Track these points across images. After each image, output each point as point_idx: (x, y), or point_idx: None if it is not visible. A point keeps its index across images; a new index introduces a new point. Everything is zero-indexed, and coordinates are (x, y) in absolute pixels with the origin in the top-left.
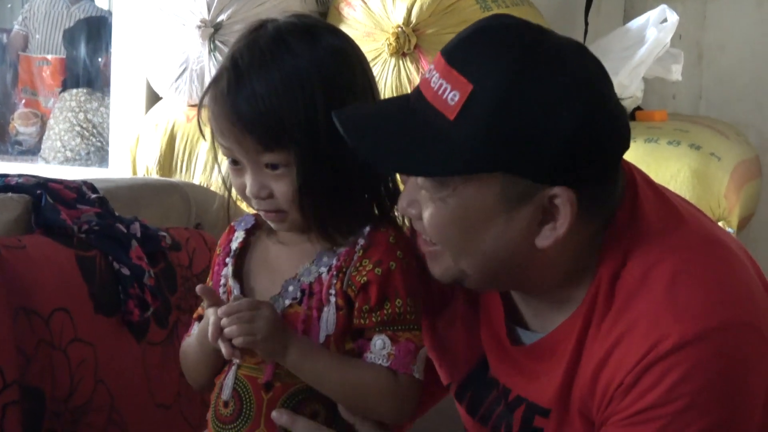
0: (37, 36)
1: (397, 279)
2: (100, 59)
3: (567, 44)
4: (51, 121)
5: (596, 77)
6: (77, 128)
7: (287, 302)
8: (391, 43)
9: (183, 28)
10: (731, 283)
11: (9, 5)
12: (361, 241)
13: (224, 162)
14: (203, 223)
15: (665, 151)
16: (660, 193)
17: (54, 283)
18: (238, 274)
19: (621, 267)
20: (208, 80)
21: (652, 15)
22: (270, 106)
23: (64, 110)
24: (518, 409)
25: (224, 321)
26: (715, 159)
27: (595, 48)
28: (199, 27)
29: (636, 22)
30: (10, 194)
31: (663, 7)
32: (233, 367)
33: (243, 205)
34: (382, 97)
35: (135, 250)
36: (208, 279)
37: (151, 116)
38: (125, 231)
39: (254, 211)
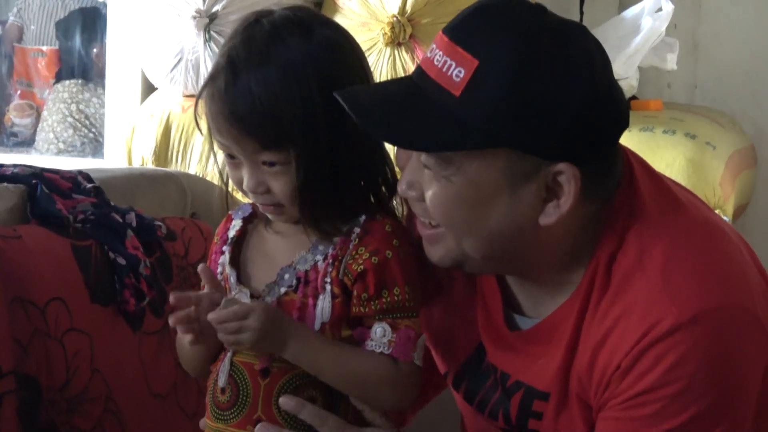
0: (32, 27)
1: (395, 267)
2: (94, 50)
3: (569, 22)
4: (45, 113)
5: (599, 54)
6: (69, 119)
7: (283, 290)
8: (386, 33)
9: (178, 18)
10: (726, 267)
11: None
12: (357, 230)
13: (220, 153)
14: (199, 212)
15: (660, 140)
16: (657, 177)
17: (50, 273)
18: (235, 262)
19: (617, 249)
20: (203, 70)
21: (647, 4)
22: (268, 107)
23: (57, 102)
24: (516, 395)
25: (214, 325)
26: (710, 148)
27: None
28: (195, 17)
29: (631, 11)
30: (5, 184)
31: None
32: (228, 354)
33: (239, 195)
34: None
35: (131, 240)
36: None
37: (147, 107)
38: (121, 221)
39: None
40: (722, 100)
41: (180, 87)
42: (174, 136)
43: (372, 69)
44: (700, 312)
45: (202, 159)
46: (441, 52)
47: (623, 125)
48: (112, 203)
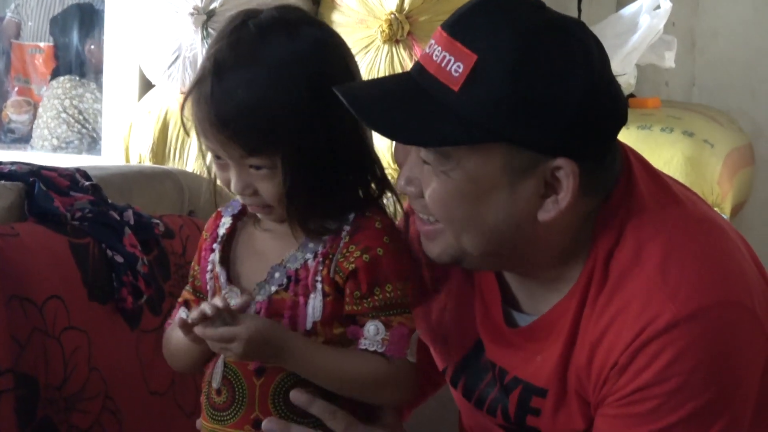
0: (30, 23)
1: (386, 264)
2: (87, 46)
3: (568, 18)
4: (40, 110)
5: (597, 50)
6: (63, 115)
7: (273, 288)
8: (384, 30)
9: (176, 15)
10: (724, 263)
11: None
12: (347, 228)
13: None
14: (196, 210)
15: (658, 138)
16: (655, 173)
17: (48, 270)
18: (225, 261)
19: (615, 246)
20: None
21: (645, 2)
22: (255, 114)
23: (51, 98)
24: (514, 391)
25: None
26: (708, 146)
27: None
28: (192, 14)
29: (629, 9)
30: (3, 182)
31: None
32: (221, 356)
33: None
34: None
35: (128, 238)
36: (193, 263)
37: (144, 104)
38: (118, 218)
39: None
40: (720, 98)
41: (178, 84)
42: (171, 133)
43: (370, 66)
44: (697, 308)
45: (200, 156)
46: (440, 48)
47: (622, 121)
48: (110, 201)
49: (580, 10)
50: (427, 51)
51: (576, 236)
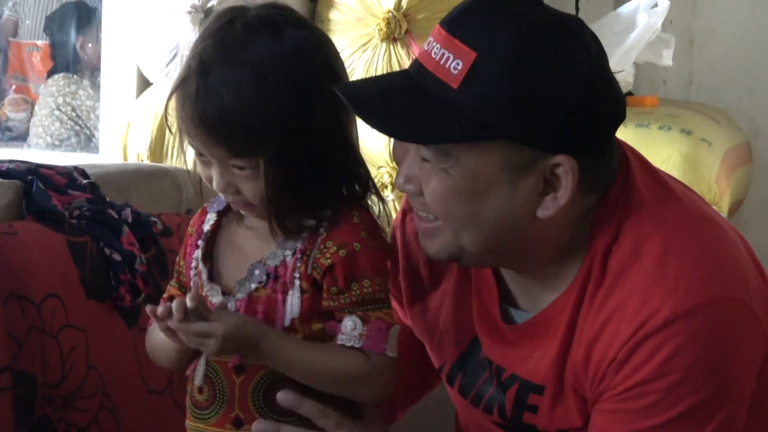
0: (27, 21)
1: (363, 259)
2: (89, 44)
3: (566, 15)
4: (36, 107)
5: (595, 47)
6: (56, 113)
7: (253, 286)
8: (381, 29)
9: (173, 13)
10: (722, 259)
11: None
12: (325, 224)
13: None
14: (194, 208)
15: (656, 136)
16: (653, 171)
17: (46, 269)
18: (209, 257)
19: (613, 242)
20: None
21: (642, 0)
22: (238, 116)
23: (46, 96)
24: (511, 389)
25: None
26: (706, 144)
27: None
28: (190, 12)
29: (627, 7)
30: (0, 180)
31: None
32: (203, 354)
33: None
34: None
35: (126, 236)
36: (179, 258)
37: (142, 102)
38: (116, 217)
39: None
40: (718, 96)
41: None
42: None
43: (367, 64)
44: (696, 304)
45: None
46: (438, 45)
47: (620, 117)
48: (108, 199)
49: (577, 8)
50: (426, 48)
51: (574, 233)
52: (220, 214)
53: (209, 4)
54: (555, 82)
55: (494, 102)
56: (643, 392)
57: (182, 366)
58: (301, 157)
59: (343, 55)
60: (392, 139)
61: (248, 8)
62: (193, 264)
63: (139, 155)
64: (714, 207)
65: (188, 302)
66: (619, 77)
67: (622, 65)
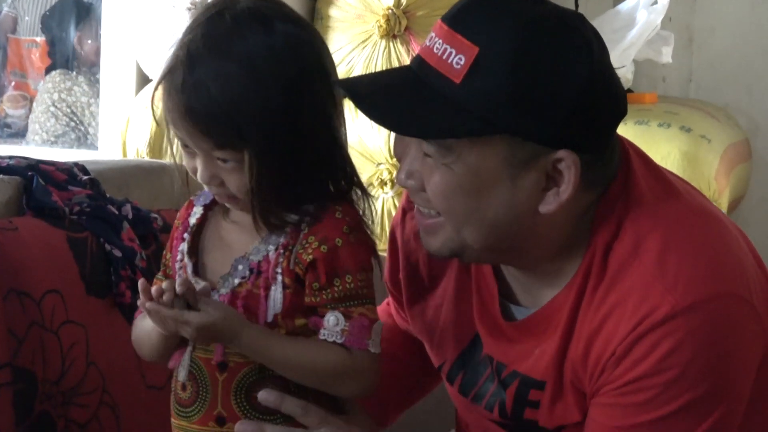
0: (26, 18)
1: (345, 255)
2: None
3: (568, 11)
4: (34, 104)
5: (596, 42)
6: (52, 109)
7: (236, 281)
8: (381, 25)
9: (173, 9)
10: (722, 255)
11: None
12: (307, 218)
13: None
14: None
15: (656, 133)
16: (654, 167)
17: (46, 265)
18: (194, 251)
19: (614, 238)
20: None
21: None
22: (224, 108)
23: (43, 92)
24: (512, 385)
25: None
26: (705, 141)
27: None
28: (189, 9)
29: (626, 5)
30: (1, 176)
31: None
32: (188, 349)
33: None
34: None
35: (126, 232)
36: (166, 250)
37: (142, 98)
38: (117, 213)
39: None
40: (717, 93)
41: None
42: None
43: (367, 62)
44: (696, 300)
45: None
46: (440, 40)
47: (622, 113)
48: (108, 195)
49: (577, 5)
50: (428, 44)
51: (575, 229)
52: (207, 208)
53: (208, 0)
54: (557, 76)
55: (497, 97)
56: (642, 387)
57: (166, 358)
58: (286, 152)
59: (342, 52)
60: (393, 136)
61: (238, 0)
62: (179, 257)
63: (138, 152)
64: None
65: (177, 287)
66: (618, 74)
67: (621, 62)
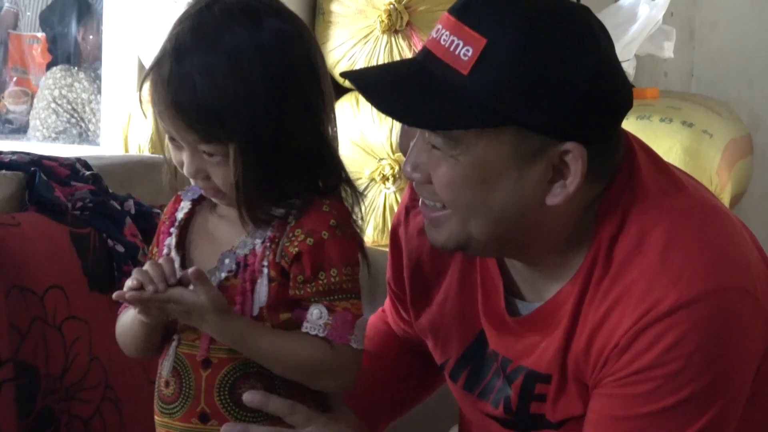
0: (28, 13)
1: (331, 248)
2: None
3: (573, 3)
4: (35, 100)
5: (603, 33)
6: (53, 105)
7: (223, 275)
8: (383, 21)
9: (174, 5)
10: (727, 249)
11: None
12: (294, 211)
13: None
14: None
15: (658, 128)
16: (658, 160)
17: (48, 260)
18: (182, 246)
19: (619, 231)
20: None
21: None
22: (210, 101)
23: (44, 88)
24: (517, 380)
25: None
26: (707, 136)
27: None
28: (190, 4)
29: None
30: (3, 171)
31: None
32: (173, 344)
33: None
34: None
35: (129, 227)
36: (152, 245)
37: (143, 94)
38: (119, 208)
39: None
40: (718, 88)
41: None
42: None
43: (369, 57)
44: (700, 293)
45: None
46: (448, 32)
47: (627, 105)
48: (110, 190)
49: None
50: (434, 35)
51: (580, 222)
52: (194, 203)
53: None
54: (564, 68)
55: (504, 88)
56: (643, 379)
57: (148, 353)
58: (271, 148)
59: (344, 48)
60: (394, 131)
61: None
62: (165, 251)
63: (140, 147)
64: None
65: (163, 263)
66: None
67: (623, 57)
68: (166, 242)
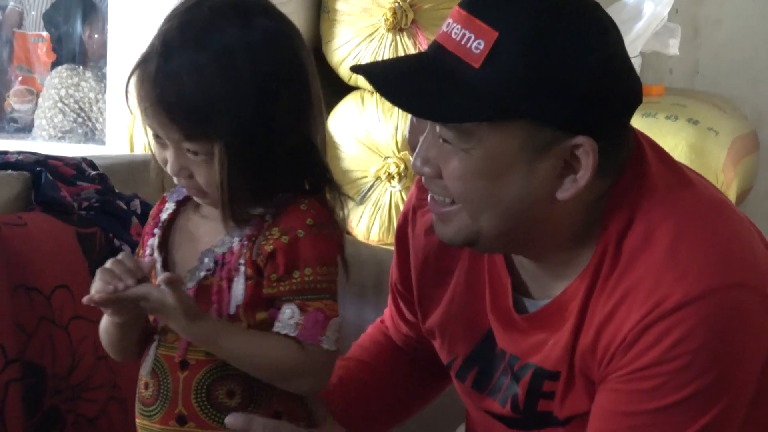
0: (33, 12)
1: (305, 247)
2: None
3: None
4: (40, 99)
5: (612, 27)
6: (59, 104)
7: (202, 274)
8: (388, 19)
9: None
10: (735, 246)
11: None
12: (272, 210)
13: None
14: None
15: (663, 126)
16: (665, 156)
17: (55, 260)
18: (164, 246)
19: (627, 227)
20: None
21: None
22: (196, 99)
23: (49, 87)
24: (525, 377)
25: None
26: (712, 133)
27: None
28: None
29: None
30: (9, 171)
31: None
32: (153, 345)
33: None
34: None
35: (135, 227)
36: (138, 247)
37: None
38: (125, 208)
39: None
40: (723, 85)
41: None
42: None
43: (373, 55)
44: (706, 290)
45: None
46: (459, 26)
47: (637, 100)
48: (116, 190)
49: None
50: (445, 29)
51: (588, 218)
52: (179, 204)
53: None
54: (575, 61)
55: (516, 81)
56: (649, 375)
57: (129, 354)
58: (257, 148)
59: (349, 46)
60: (400, 129)
61: None
62: (148, 252)
63: (146, 146)
64: None
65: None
66: None
67: (628, 54)
68: (149, 243)
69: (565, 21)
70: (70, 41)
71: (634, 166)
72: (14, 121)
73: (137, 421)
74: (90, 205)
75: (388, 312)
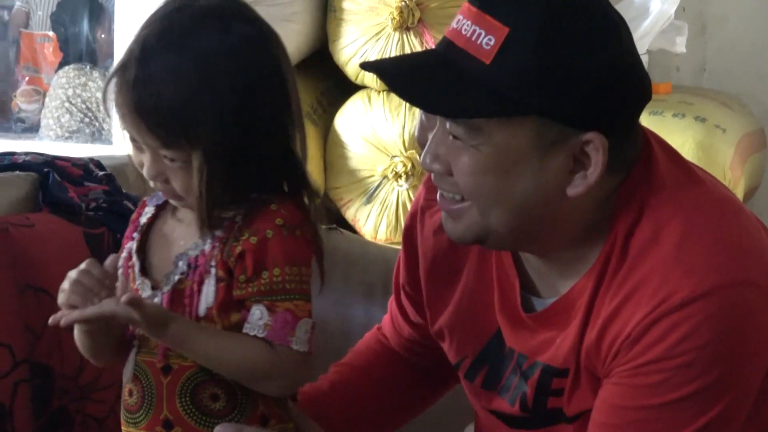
0: (39, 12)
1: (274, 247)
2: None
3: None
4: (47, 99)
5: (622, 23)
6: (66, 104)
7: (176, 277)
8: (394, 18)
9: None
10: (743, 242)
11: None
12: (243, 211)
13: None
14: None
15: (670, 124)
16: (674, 154)
17: (62, 261)
18: (142, 249)
19: (635, 224)
20: None
21: None
22: (174, 108)
23: (56, 87)
24: (533, 376)
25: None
26: (720, 131)
27: None
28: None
29: None
30: (17, 172)
31: None
32: (132, 351)
33: None
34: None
35: None
36: (119, 253)
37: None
38: (133, 208)
39: None
40: (730, 83)
41: None
42: None
43: (380, 54)
44: (714, 287)
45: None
46: (469, 22)
47: (647, 96)
48: (124, 191)
49: None
50: (455, 26)
51: (596, 215)
52: (159, 208)
53: None
54: (586, 56)
55: (527, 77)
56: (654, 370)
57: (104, 359)
58: (235, 154)
59: (355, 45)
60: (407, 128)
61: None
62: (125, 255)
63: None
64: None
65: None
66: None
67: None
68: (127, 246)
69: (575, 17)
70: (77, 41)
71: (643, 163)
72: (21, 121)
73: (123, 429)
74: (97, 205)
75: (387, 318)
